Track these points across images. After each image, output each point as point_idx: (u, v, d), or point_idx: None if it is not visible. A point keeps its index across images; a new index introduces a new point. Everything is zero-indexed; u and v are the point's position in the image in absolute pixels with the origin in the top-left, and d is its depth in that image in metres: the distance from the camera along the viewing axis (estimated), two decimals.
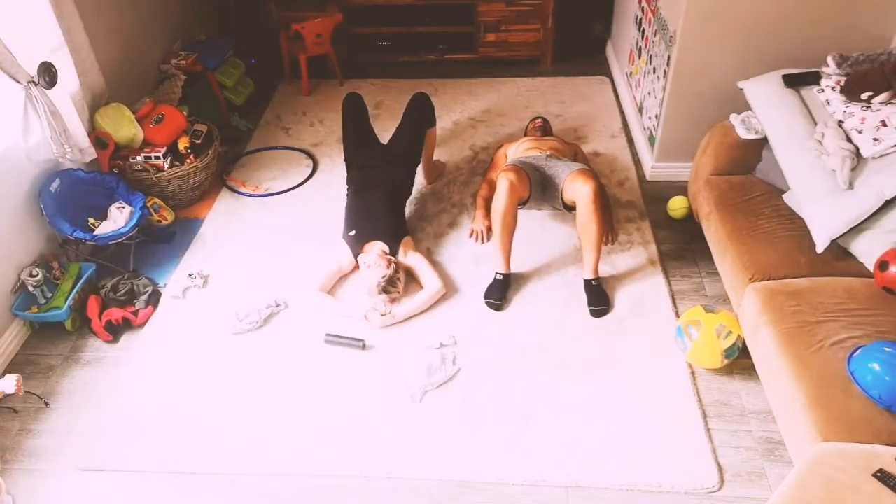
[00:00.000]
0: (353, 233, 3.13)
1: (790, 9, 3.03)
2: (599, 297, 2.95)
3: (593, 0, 4.88)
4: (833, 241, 2.43)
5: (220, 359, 2.80)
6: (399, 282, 2.99)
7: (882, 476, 1.75)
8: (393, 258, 3.04)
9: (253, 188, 3.80)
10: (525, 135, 3.70)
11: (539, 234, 3.35)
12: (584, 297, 2.98)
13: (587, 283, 2.99)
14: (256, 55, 4.86)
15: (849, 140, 2.56)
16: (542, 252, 3.24)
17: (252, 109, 4.52)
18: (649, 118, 3.72)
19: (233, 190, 3.78)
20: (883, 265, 2.32)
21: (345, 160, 3.46)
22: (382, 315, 2.89)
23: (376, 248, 3.06)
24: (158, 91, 3.95)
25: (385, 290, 2.93)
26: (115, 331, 2.92)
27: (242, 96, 4.55)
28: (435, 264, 3.18)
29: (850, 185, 2.45)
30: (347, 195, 3.32)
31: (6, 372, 2.80)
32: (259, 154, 4.10)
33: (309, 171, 3.93)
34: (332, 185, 3.78)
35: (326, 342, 2.82)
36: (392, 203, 3.22)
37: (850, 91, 2.67)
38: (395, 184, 3.27)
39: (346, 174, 3.44)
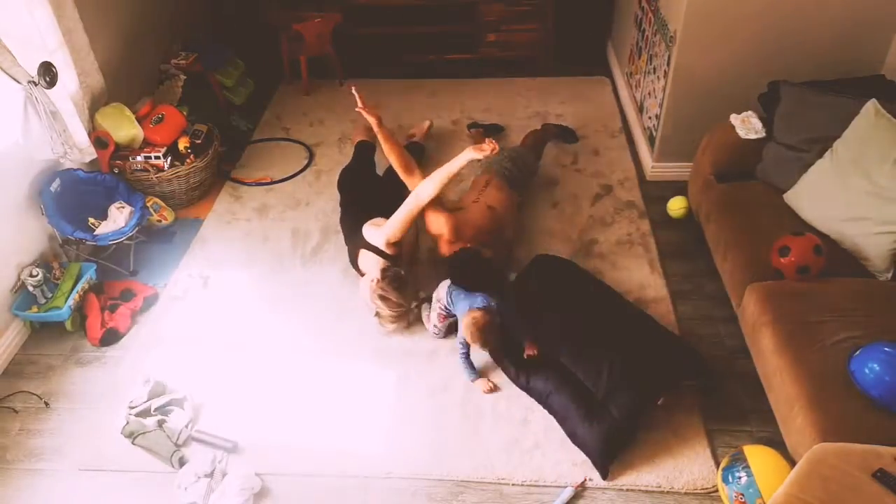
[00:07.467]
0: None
1: (790, 9, 3.03)
2: None
3: (593, 0, 4.87)
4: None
5: (219, 359, 2.80)
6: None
7: (882, 476, 1.75)
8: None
9: (257, 179, 3.86)
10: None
11: (540, 237, 3.36)
12: None
13: None
14: (256, 55, 4.85)
15: None
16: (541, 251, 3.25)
17: (252, 109, 4.52)
18: (649, 118, 3.72)
19: (241, 182, 3.82)
20: (783, 250, 2.41)
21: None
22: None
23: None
24: (158, 91, 3.95)
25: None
26: (110, 339, 2.89)
27: (242, 96, 4.54)
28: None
29: None
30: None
31: (6, 372, 2.81)
32: (259, 154, 4.10)
33: (306, 161, 3.98)
34: (331, 183, 3.76)
35: (194, 439, 2.51)
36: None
37: None
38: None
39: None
